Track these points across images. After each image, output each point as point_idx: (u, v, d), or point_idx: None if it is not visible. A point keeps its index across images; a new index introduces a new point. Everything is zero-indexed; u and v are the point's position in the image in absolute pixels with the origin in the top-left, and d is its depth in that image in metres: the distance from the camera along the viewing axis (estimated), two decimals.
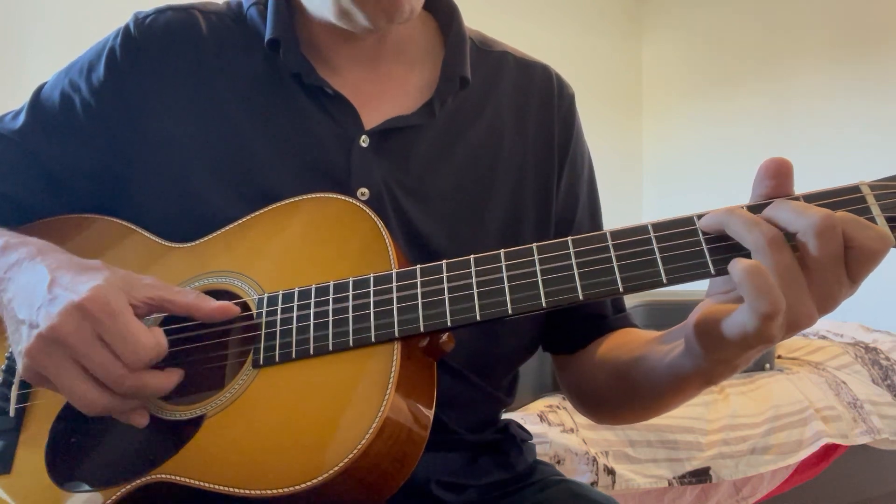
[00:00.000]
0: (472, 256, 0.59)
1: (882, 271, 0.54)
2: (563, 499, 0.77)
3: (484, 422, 0.81)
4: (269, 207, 0.69)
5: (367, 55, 0.79)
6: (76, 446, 0.65)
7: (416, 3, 0.73)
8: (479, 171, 0.78)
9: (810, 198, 0.52)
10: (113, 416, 0.60)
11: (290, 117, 0.75)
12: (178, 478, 0.58)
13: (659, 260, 0.54)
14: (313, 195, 0.68)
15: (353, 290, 0.61)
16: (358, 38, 0.78)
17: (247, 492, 0.55)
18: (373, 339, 0.59)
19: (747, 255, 0.52)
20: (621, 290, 0.55)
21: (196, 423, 0.61)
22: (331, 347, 0.60)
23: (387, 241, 0.63)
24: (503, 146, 0.80)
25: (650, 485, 1.64)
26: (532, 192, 0.80)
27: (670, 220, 0.55)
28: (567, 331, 0.83)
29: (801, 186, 0.54)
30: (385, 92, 0.79)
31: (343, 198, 0.67)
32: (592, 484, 1.55)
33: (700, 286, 0.58)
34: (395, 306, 0.59)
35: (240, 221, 0.70)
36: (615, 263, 0.55)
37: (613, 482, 1.59)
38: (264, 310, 0.63)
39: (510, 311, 0.57)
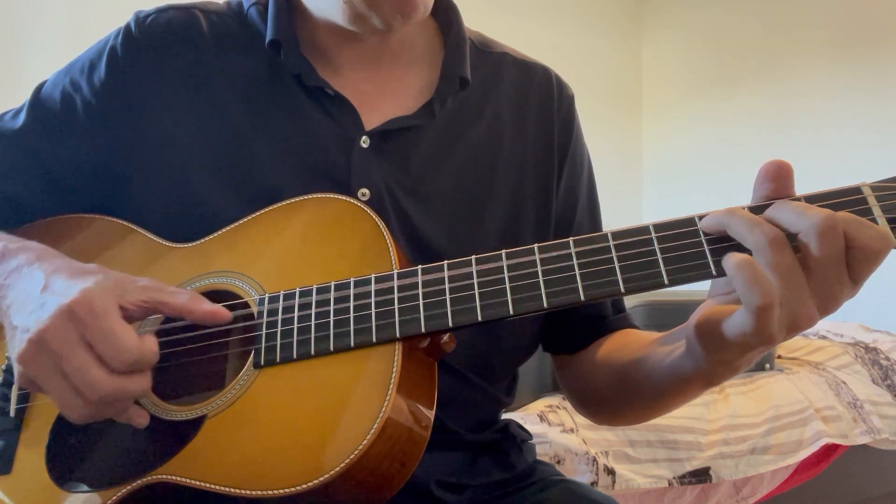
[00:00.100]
0: (473, 257, 0.59)
1: (882, 272, 0.54)
2: (563, 499, 0.77)
3: (484, 422, 0.81)
4: (270, 207, 0.69)
5: (369, 56, 0.79)
6: (77, 446, 0.65)
7: (428, 2, 0.73)
8: (478, 172, 0.78)
9: (811, 199, 0.52)
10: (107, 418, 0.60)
11: (290, 118, 0.75)
12: (178, 478, 0.58)
13: (660, 261, 0.54)
14: (314, 195, 0.68)
15: (354, 290, 0.61)
16: (361, 39, 0.78)
17: (248, 492, 0.55)
18: (374, 340, 0.59)
19: (748, 254, 0.52)
20: (623, 290, 0.55)
21: (197, 423, 0.61)
22: (332, 348, 0.60)
23: (388, 241, 0.63)
24: (503, 147, 0.80)
25: (650, 485, 1.64)
26: (532, 192, 0.80)
27: (672, 220, 0.55)
28: (567, 331, 0.83)
29: (801, 187, 0.54)
30: (385, 92, 0.79)
31: (344, 198, 0.67)
32: (592, 484, 1.55)
33: (700, 286, 0.58)
34: (396, 307, 0.59)
35: (241, 221, 0.70)
36: (617, 264, 0.55)
37: (613, 482, 1.59)
38: (265, 309, 0.63)
39: (511, 312, 0.57)
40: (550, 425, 1.60)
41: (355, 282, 0.61)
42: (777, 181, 0.53)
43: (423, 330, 0.58)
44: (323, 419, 0.57)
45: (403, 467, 0.58)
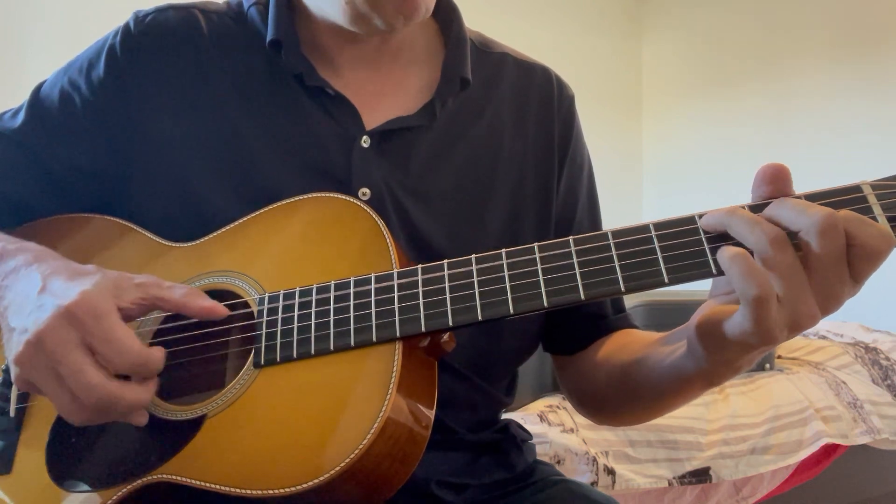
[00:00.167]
0: (473, 256, 0.59)
1: (882, 271, 0.54)
2: (563, 499, 0.77)
3: (484, 422, 0.81)
4: (270, 207, 0.69)
5: (369, 56, 0.79)
6: (77, 446, 0.65)
7: (430, 3, 0.73)
8: (479, 172, 0.78)
9: (812, 197, 0.52)
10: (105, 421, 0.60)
11: (290, 117, 0.75)
12: (179, 478, 0.58)
13: (661, 259, 0.54)
14: (314, 195, 0.68)
15: (355, 290, 0.61)
16: (361, 39, 0.78)
17: (248, 492, 0.55)
18: (374, 339, 0.59)
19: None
20: (623, 289, 0.55)
21: (197, 423, 0.61)
22: (332, 347, 0.60)
23: (388, 240, 0.63)
24: (503, 147, 0.80)
25: (650, 485, 1.64)
26: (532, 192, 0.80)
27: (672, 219, 0.55)
28: (567, 331, 0.83)
29: (800, 187, 0.54)
30: (386, 93, 0.79)
31: (344, 197, 0.67)
32: (592, 484, 1.55)
33: (701, 286, 0.58)
34: (396, 306, 0.59)
35: (240, 221, 0.70)
36: (617, 263, 0.55)
37: (613, 482, 1.59)
38: (265, 309, 0.63)
39: (512, 311, 0.57)
40: (550, 425, 1.60)
41: (355, 281, 0.61)
42: (774, 184, 0.53)
43: (423, 329, 0.58)
44: (323, 418, 0.57)
45: (404, 467, 0.58)
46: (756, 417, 1.81)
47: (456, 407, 0.74)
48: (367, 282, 0.61)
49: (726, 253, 0.51)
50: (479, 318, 0.57)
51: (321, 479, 0.54)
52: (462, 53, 0.80)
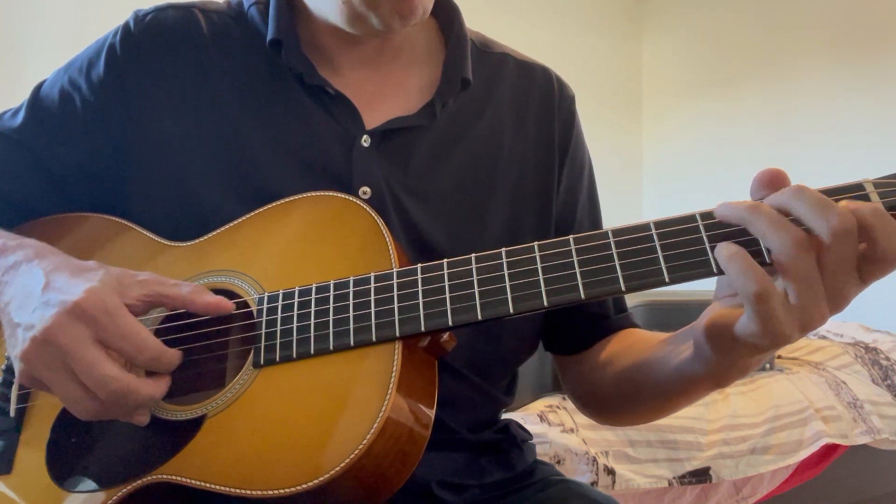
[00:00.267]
0: (472, 255, 0.59)
1: None
2: (563, 499, 0.77)
3: (484, 422, 0.81)
4: (270, 206, 0.69)
5: (369, 57, 0.79)
6: (77, 446, 0.65)
7: (427, 4, 0.73)
8: (479, 172, 0.78)
9: None
10: (111, 418, 0.60)
11: (290, 117, 0.75)
12: (179, 478, 0.58)
13: (661, 258, 0.54)
14: (313, 193, 0.68)
15: (354, 289, 0.61)
16: (361, 40, 0.78)
17: (248, 492, 0.55)
18: (374, 339, 0.59)
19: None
20: (623, 289, 0.55)
21: (197, 423, 0.61)
22: (331, 347, 0.59)
23: (387, 239, 0.63)
24: (503, 147, 0.80)
25: (650, 485, 1.64)
26: (532, 192, 0.80)
27: (673, 218, 0.55)
28: (569, 331, 0.83)
29: None
30: (386, 92, 0.79)
31: (343, 196, 0.67)
32: (592, 484, 1.55)
33: (701, 286, 0.58)
34: (395, 305, 0.59)
35: (240, 220, 0.70)
36: (617, 262, 0.55)
37: (613, 482, 1.59)
38: (265, 308, 0.63)
39: (511, 311, 0.57)
40: (550, 425, 1.60)
41: (355, 280, 0.61)
42: (772, 188, 0.53)
43: (422, 329, 0.58)
44: (323, 418, 0.57)
45: (404, 467, 0.58)
46: (756, 417, 1.81)
47: (456, 407, 0.74)
48: (367, 281, 0.61)
49: (724, 251, 0.50)
50: (479, 317, 0.57)
51: (321, 479, 0.53)
52: (462, 53, 0.80)
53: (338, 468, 0.53)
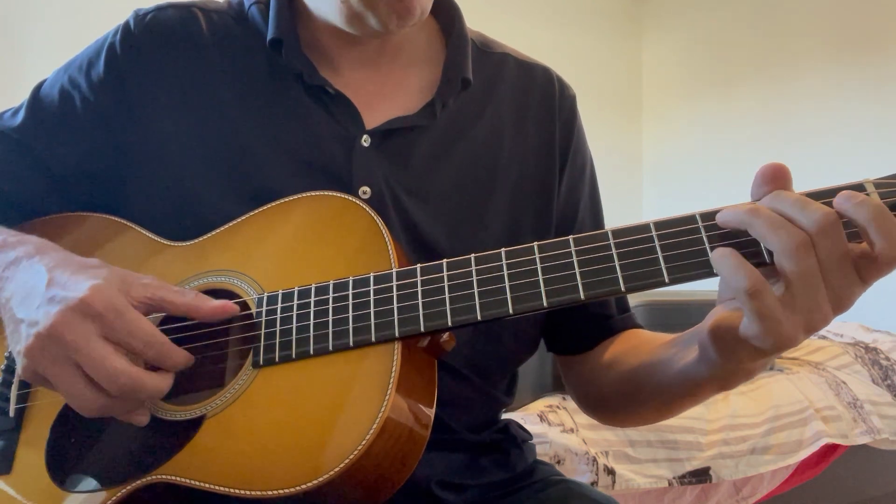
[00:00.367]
0: (472, 255, 0.59)
1: None
2: (563, 499, 0.77)
3: (484, 422, 0.81)
4: (269, 206, 0.69)
5: (370, 57, 0.79)
6: (77, 446, 0.65)
7: (426, 5, 0.73)
8: (479, 172, 0.78)
9: (815, 195, 0.52)
10: (113, 415, 0.60)
11: (290, 116, 0.75)
12: (178, 478, 0.58)
13: (661, 259, 0.54)
14: (313, 193, 0.68)
15: (353, 290, 0.61)
16: (361, 40, 0.77)
17: (247, 492, 0.55)
18: (373, 340, 0.59)
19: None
20: (623, 289, 0.55)
21: (196, 423, 0.61)
22: (331, 347, 0.59)
23: (387, 239, 0.63)
24: (504, 147, 0.80)
25: (650, 485, 1.64)
26: (532, 193, 0.80)
27: (673, 218, 0.55)
28: (572, 331, 0.83)
29: (800, 188, 0.54)
30: (386, 92, 0.79)
31: (343, 196, 0.67)
32: (592, 484, 1.55)
33: (701, 286, 0.58)
34: (395, 306, 0.59)
35: (239, 220, 0.70)
36: (617, 262, 0.55)
37: (613, 482, 1.59)
38: (264, 309, 0.63)
39: (511, 311, 0.57)
40: (550, 425, 1.60)
41: (354, 281, 0.61)
42: (775, 184, 0.53)
43: (422, 329, 0.58)
44: (322, 419, 0.57)
45: (403, 467, 0.58)
46: (756, 417, 1.81)
47: (456, 407, 0.74)
48: (366, 282, 0.61)
49: (716, 253, 0.51)
50: (479, 318, 0.57)
51: (321, 479, 0.53)
52: (463, 53, 0.80)
53: (337, 468, 0.53)
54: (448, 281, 0.59)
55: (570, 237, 0.57)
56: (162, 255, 0.71)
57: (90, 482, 0.62)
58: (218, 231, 0.70)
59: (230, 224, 0.70)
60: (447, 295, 0.58)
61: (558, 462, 1.53)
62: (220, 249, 0.69)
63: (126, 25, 0.77)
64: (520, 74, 0.84)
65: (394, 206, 0.73)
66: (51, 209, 0.78)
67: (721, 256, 0.51)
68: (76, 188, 0.77)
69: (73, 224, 0.76)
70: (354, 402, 0.57)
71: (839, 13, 3.20)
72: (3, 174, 0.77)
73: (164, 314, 0.66)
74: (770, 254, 0.51)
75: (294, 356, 0.60)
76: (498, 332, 0.76)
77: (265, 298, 0.63)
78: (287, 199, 0.69)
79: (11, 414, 0.68)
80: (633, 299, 1.82)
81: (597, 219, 0.88)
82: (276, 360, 0.61)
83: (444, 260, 0.60)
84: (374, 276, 0.61)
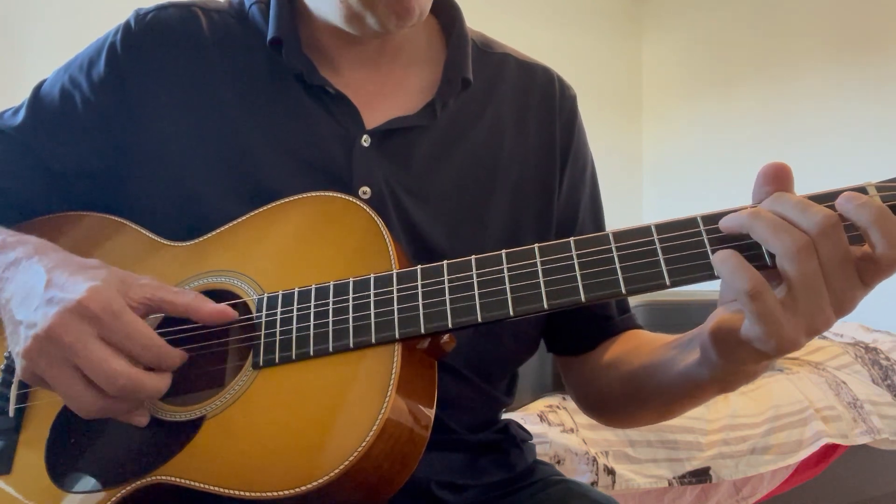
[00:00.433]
0: (473, 257, 0.59)
1: None
2: (563, 499, 0.77)
3: (484, 422, 0.81)
4: (269, 206, 0.69)
5: (370, 57, 0.79)
6: (77, 447, 0.65)
7: (425, 6, 0.73)
8: (480, 172, 0.78)
9: (817, 199, 0.52)
10: (112, 416, 0.60)
11: (291, 116, 0.75)
12: (178, 479, 0.58)
13: (662, 262, 0.54)
14: (313, 193, 0.68)
15: (353, 292, 0.61)
16: (361, 40, 0.77)
17: (247, 494, 0.55)
18: (373, 341, 0.58)
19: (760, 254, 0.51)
20: (624, 292, 0.54)
21: (196, 424, 0.61)
22: (331, 349, 0.59)
23: (387, 240, 0.63)
24: (504, 147, 0.80)
25: (650, 485, 1.64)
26: (533, 193, 0.80)
27: (674, 221, 0.55)
28: (573, 332, 0.83)
29: (800, 188, 0.54)
30: (387, 92, 0.79)
31: (343, 197, 0.67)
32: (592, 484, 1.55)
33: (701, 286, 0.58)
34: (395, 307, 0.59)
35: (239, 220, 0.70)
36: (618, 265, 0.55)
37: (613, 482, 1.59)
38: (264, 310, 0.63)
39: (511, 313, 0.57)
40: (550, 425, 1.60)
41: (354, 282, 0.61)
42: (776, 184, 0.53)
43: (422, 331, 0.58)
44: (322, 420, 0.57)
45: (403, 468, 0.58)
46: (756, 417, 1.81)
47: (456, 407, 0.74)
48: (367, 283, 0.61)
49: (718, 255, 0.51)
50: (479, 319, 0.57)
51: (320, 481, 0.53)
52: (463, 53, 0.80)
53: (337, 470, 0.53)
54: (448, 282, 0.59)
55: (572, 239, 0.57)
56: (162, 255, 0.71)
57: (90, 482, 0.62)
58: (218, 231, 0.70)
59: (230, 224, 0.70)
60: (447, 296, 0.58)
61: (558, 462, 1.53)
62: (220, 249, 0.69)
63: (127, 25, 0.77)
64: (520, 74, 0.84)
65: (394, 207, 0.73)
66: (51, 208, 0.77)
67: (722, 258, 0.51)
68: (77, 187, 0.77)
69: (73, 223, 0.76)
70: (354, 404, 0.57)
71: (839, 13, 3.20)
72: (4, 173, 0.77)
73: (164, 315, 0.66)
74: (772, 257, 0.51)
75: (294, 357, 0.60)
76: (498, 332, 0.76)
77: (265, 299, 0.63)
78: (287, 200, 0.68)
79: (11, 414, 0.68)
80: (633, 299, 1.82)
81: (597, 219, 0.87)
82: (276, 361, 0.61)
83: (445, 261, 0.60)
84: (375, 278, 0.61)
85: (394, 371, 0.57)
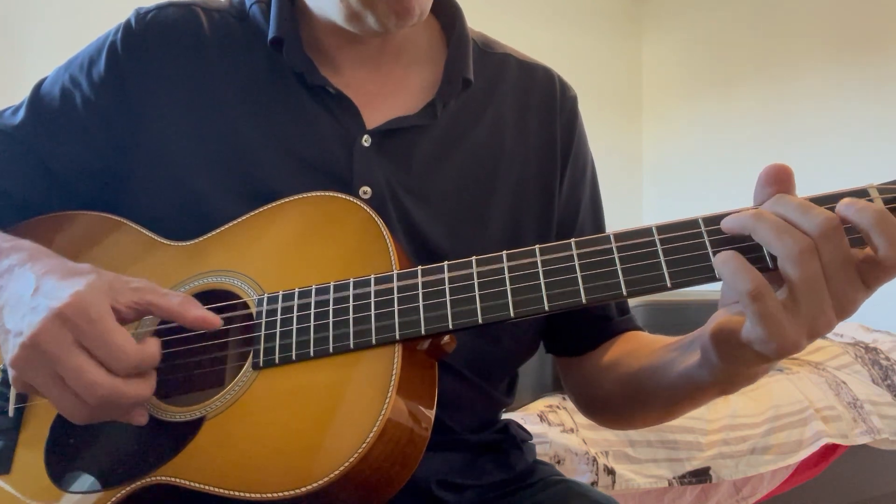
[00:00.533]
0: (473, 258, 0.59)
1: None
2: (563, 499, 0.77)
3: (484, 422, 0.81)
4: (269, 206, 0.69)
5: (370, 56, 0.79)
6: (76, 447, 0.64)
7: (425, 6, 0.73)
8: (480, 172, 0.78)
9: (818, 200, 0.52)
10: (106, 420, 0.60)
11: (291, 116, 0.75)
12: (177, 480, 0.58)
13: (663, 263, 0.54)
14: (314, 193, 0.68)
15: (354, 291, 0.61)
16: (362, 39, 0.77)
17: (247, 495, 0.55)
18: (373, 342, 0.58)
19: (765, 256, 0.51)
20: (625, 293, 0.54)
21: (195, 425, 0.60)
22: (331, 349, 0.59)
23: (387, 240, 0.63)
24: (505, 147, 0.80)
25: (650, 485, 1.64)
26: (534, 193, 0.80)
27: (675, 222, 0.55)
28: (572, 333, 0.83)
29: (801, 189, 0.54)
30: (387, 92, 0.79)
31: (344, 197, 0.67)
32: (592, 484, 1.55)
33: (701, 287, 0.58)
34: (395, 308, 0.59)
35: (239, 220, 0.70)
36: (619, 266, 0.55)
37: (613, 482, 1.59)
38: (264, 310, 0.63)
39: (512, 315, 0.56)
40: (550, 425, 1.59)
41: (354, 282, 0.61)
42: (777, 185, 0.53)
43: (423, 332, 0.58)
44: (322, 421, 0.56)
45: (404, 469, 0.58)
46: (756, 417, 1.81)
47: (456, 407, 0.74)
48: (367, 283, 0.61)
49: (719, 256, 0.51)
50: (480, 321, 0.57)
51: (321, 482, 0.53)
52: (464, 53, 0.80)
53: (338, 471, 0.53)
54: (449, 283, 0.59)
55: (572, 240, 0.57)
56: (161, 255, 0.71)
57: (89, 482, 0.62)
58: (218, 231, 0.70)
59: (230, 224, 0.70)
60: (448, 298, 0.58)
61: (558, 462, 1.53)
62: (220, 249, 0.69)
63: (127, 24, 0.77)
64: (521, 75, 0.84)
65: (394, 207, 0.73)
66: (52, 207, 0.77)
67: (724, 259, 0.51)
68: (77, 186, 0.77)
69: (73, 223, 0.76)
70: (355, 405, 0.56)
71: (839, 13, 3.19)
72: (4, 172, 0.77)
73: None
74: (773, 259, 0.51)
75: (294, 358, 0.60)
76: (498, 333, 0.76)
77: (265, 299, 0.63)
78: (287, 199, 0.68)
79: (10, 413, 0.68)
80: (633, 300, 1.82)
81: (598, 220, 0.87)
82: (276, 361, 0.61)
83: (445, 262, 0.60)
84: (375, 278, 0.61)
85: (394, 372, 0.57)
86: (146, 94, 0.75)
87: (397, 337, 0.58)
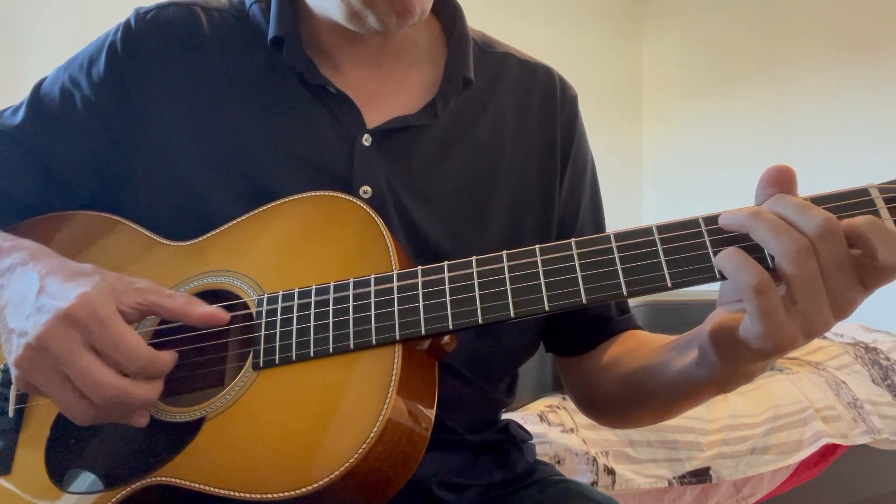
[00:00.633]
0: (473, 258, 0.59)
1: None
2: (563, 499, 0.77)
3: (484, 422, 0.81)
4: (269, 205, 0.69)
5: (371, 55, 0.79)
6: (76, 447, 0.64)
7: (426, 5, 0.73)
8: (480, 172, 0.78)
9: (818, 200, 0.52)
10: (110, 421, 0.60)
11: (291, 115, 0.75)
12: (177, 480, 0.58)
13: (664, 263, 0.54)
14: (314, 193, 0.68)
15: (354, 291, 0.61)
16: (363, 38, 0.77)
17: (247, 495, 0.55)
18: (374, 342, 0.58)
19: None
20: (625, 293, 0.54)
21: (196, 425, 0.60)
22: (331, 350, 0.59)
23: (388, 240, 0.63)
24: (505, 147, 0.80)
25: (650, 485, 1.64)
26: (534, 193, 0.80)
27: (675, 222, 0.55)
28: (572, 332, 0.83)
29: (801, 188, 0.54)
30: (388, 91, 0.79)
31: (344, 196, 0.67)
32: (592, 484, 1.55)
33: (701, 286, 0.58)
34: (395, 308, 0.59)
35: (239, 220, 0.70)
36: (619, 266, 0.55)
37: (613, 482, 1.59)
38: (264, 310, 0.63)
39: (512, 315, 0.56)
40: (550, 425, 1.59)
41: (355, 282, 0.61)
42: (779, 186, 0.53)
43: (423, 332, 0.58)
44: (323, 421, 0.56)
45: (404, 469, 0.58)
46: (756, 417, 1.81)
47: (456, 407, 0.74)
48: (367, 283, 0.61)
49: (722, 253, 0.51)
50: (480, 321, 0.57)
51: (321, 482, 0.53)
52: (465, 53, 0.80)
53: (338, 472, 0.53)
54: (449, 283, 0.59)
55: (573, 240, 0.57)
56: (161, 254, 0.71)
57: (89, 483, 0.62)
58: (218, 231, 0.70)
59: (230, 224, 0.70)
60: (448, 298, 0.58)
61: (558, 462, 1.53)
62: (219, 249, 0.69)
63: (127, 24, 0.77)
64: (521, 74, 0.84)
65: (394, 206, 0.73)
66: (52, 207, 0.77)
67: (727, 254, 0.50)
68: (77, 186, 0.77)
69: (72, 222, 0.76)
70: (355, 405, 0.56)
71: (839, 13, 3.19)
72: (4, 172, 0.77)
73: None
74: (772, 258, 0.51)
75: (294, 358, 0.60)
76: (498, 332, 0.76)
77: (265, 299, 0.63)
78: (287, 199, 0.68)
79: (11, 414, 0.68)
80: (633, 299, 1.83)
81: (598, 220, 0.87)
82: (276, 361, 0.61)
83: (446, 262, 0.60)
84: (375, 278, 0.61)
85: (394, 372, 0.57)
86: (146, 94, 0.75)
87: (397, 337, 0.58)
